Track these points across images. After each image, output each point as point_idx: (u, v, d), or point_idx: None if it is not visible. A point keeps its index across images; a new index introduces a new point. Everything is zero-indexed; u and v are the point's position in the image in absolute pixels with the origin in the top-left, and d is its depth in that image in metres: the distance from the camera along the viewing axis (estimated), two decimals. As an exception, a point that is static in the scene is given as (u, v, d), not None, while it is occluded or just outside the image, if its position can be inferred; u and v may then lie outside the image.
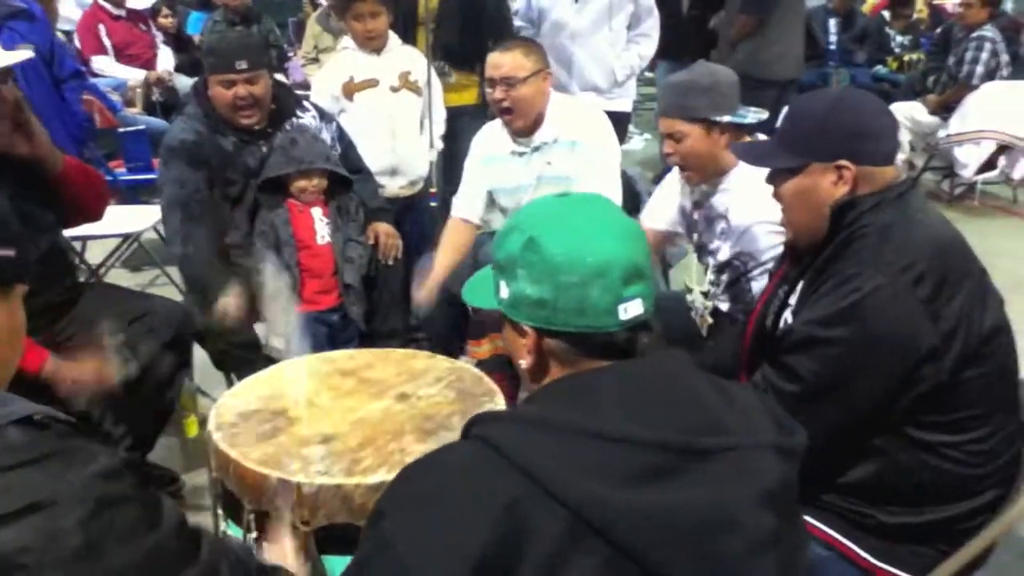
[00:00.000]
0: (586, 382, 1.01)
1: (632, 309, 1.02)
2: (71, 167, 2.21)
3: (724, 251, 2.26)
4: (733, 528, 0.91)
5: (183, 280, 2.81)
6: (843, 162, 1.49)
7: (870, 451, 1.48)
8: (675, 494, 0.91)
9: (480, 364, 2.48)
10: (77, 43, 5.84)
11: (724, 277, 2.28)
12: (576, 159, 2.67)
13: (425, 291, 2.67)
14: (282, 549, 1.35)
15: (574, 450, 0.92)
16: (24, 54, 2.16)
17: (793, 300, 1.63)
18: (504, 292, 1.07)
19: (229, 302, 2.53)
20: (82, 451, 0.86)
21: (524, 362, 1.07)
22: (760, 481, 0.95)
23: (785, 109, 1.69)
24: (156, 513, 0.90)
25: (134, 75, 5.77)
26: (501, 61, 2.60)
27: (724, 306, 2.28)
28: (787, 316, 1.63)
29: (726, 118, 2.16)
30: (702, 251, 2.38)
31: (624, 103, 3.93)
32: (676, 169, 2.40)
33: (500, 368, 2.56)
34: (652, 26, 3.89)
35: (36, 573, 0.77)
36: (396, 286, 2.85)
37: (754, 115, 2.18)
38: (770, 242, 2.09)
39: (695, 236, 2.41)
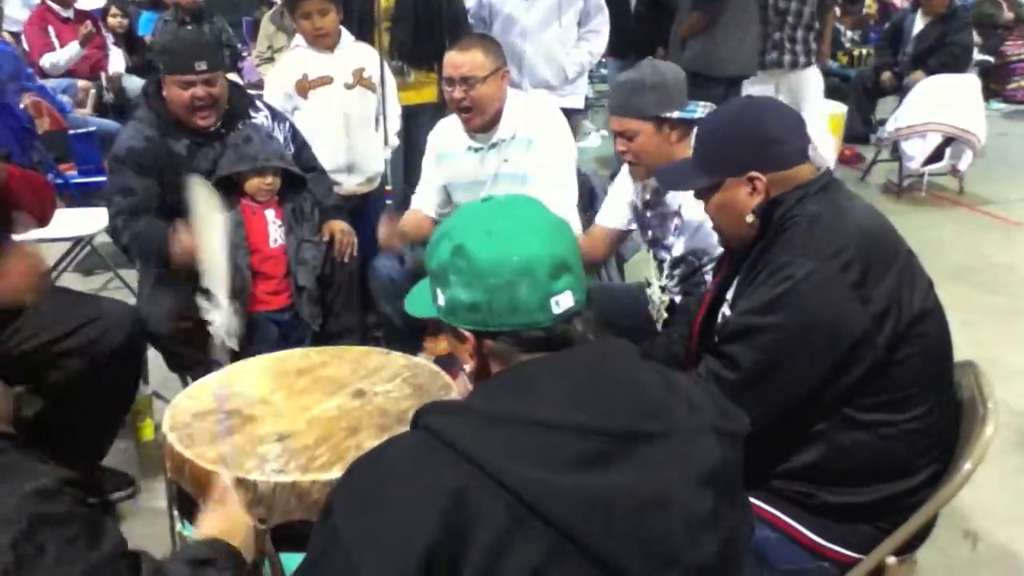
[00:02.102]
0: (525, 373, 1.03)
1: (563, 302, 1.05)
2: (14, 176, 2.18)
3: (678, 247, 2.30)
4: (670, 509, 0.94)
5: (139, 264, 2.77)
6: (753, 173, 1.56)
7: (812, 434, 1.52)
8: (614, 477, 0.93)
9: (438, 360, 2.49)
10: (25, 44, 5.74)
11: (678, 272, 2.32)
12: (532, 156, 2.70)
13: (387, 233, 2.65)
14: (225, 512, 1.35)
15: (516, 438, 0.94)
16: None
17: (730, 295, 1.68)
18: (440, 299, 1.10)
19: (182, 243, 2.47)
20: (19, 468, 0.85)
21: (468, 365, 1.10)
22: (699, 463, 0.98)
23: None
24: (95, 534, 0.89)
25: (75, 51, 5.69)
26: (460, 60, 2.61)
27: (678, 299, 2.32)
28: (724, 310, 1.69)
29: (675, 114, 2.20)
30: (656, 247, 2.41)
31: (575, 100, 3.97)
32: (626, 167, 2.44)
33: (457, 364, 2.57)
34: (601, 22, 3.93)
35: None
36: (351, 284, 2.85)
37: (703, 110, 2.22)
38: None
39: (648, 232, 2.44)
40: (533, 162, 2.69)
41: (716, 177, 1.61)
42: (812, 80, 5.11)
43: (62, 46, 5.72)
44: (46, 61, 5.65)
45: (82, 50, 5.71)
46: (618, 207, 2.54)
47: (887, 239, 1.55)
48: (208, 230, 2.02)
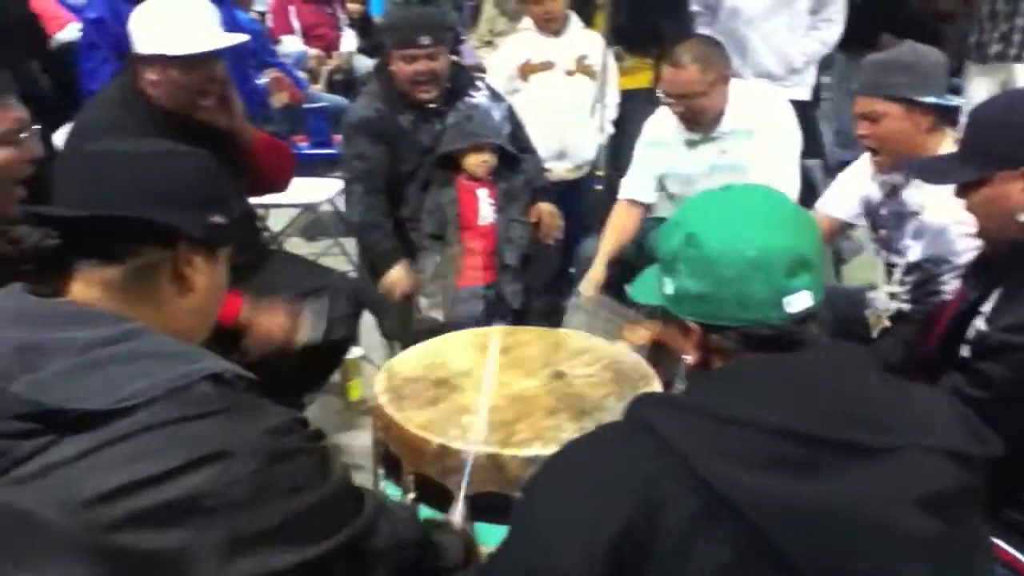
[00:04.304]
0: (742, 371, 1.00)
1: (799, 302, 1.00)
2: (261, 141, 2.36)
3: (915, 251, 2.13)
4: (881, 529, 0.88)
5: (359, 247, 2.94)
6: None
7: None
8: (822, 486, 0.89)
9: (636, 349, 2.46)
10: (270, 23, 6.21)
11: (912, 278, 2.15)
12: (752, 148, 2.60)
13: (590, 283, 2.69)
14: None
15: (721, 435, 0.92)
16: (239, 37, 2.32)
17: (986, 307, 1.53)
18: (667, 288, 1.07)
19: (395, 280, 2.62)
20: (258, 407, 0.91)
21: (689, 358, 1.07)
22: (924, 485, 0.91)
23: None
24: (323, 469, 0.94)
25: (314, 54, 6.07)
26: (677, 79, 2.54)
27: (906, 307, 2.16)
28: (978, 323, 1.54)
29: (930, 99, 2.02)
30: (888, 249, 2.24)
31: (801, 91, 3.75)
32: (864, 157, 2.28)
33: (656, 354, 2.53)
34: (837, 10, 3.69)
35: (211, 517, 0.83)
36: (553, 266, 2.89)
37: (959, 100, 2.04)
38: (968, 244, 1.94)
39: (881, 231, 2.27)
40: (753, 153, 2.59)
41: (987, 170, 1.47)
42: None
43: (301, 24, 6.14)
44: (283, 46, 6.09)
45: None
46: (845, 196, 2.37)
47: None
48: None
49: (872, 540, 0.88)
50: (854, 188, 2.35)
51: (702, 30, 3.56)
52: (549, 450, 1.56)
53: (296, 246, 4.14)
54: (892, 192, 2.19)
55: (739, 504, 0.88)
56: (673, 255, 1.05)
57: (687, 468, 0.90)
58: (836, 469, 0.90)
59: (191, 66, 2.15)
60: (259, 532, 0.85)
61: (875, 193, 2.27)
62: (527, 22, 3.35)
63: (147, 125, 2.08)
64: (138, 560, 0.80)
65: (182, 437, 0.84)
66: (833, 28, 3.69)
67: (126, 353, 0.88)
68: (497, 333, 2.15)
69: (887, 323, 2.16)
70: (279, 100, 4.57)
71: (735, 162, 2.60)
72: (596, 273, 2.72)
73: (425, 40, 2.67)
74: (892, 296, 2.16)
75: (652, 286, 1.12)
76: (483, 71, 3.62)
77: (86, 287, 0.97)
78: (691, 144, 2.69)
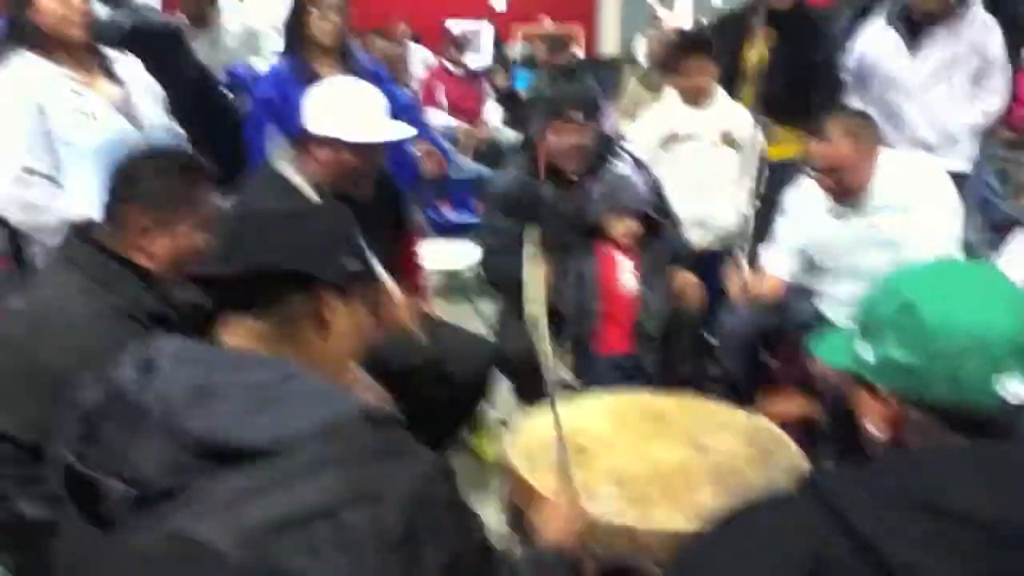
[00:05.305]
0: (947, 455, 0.93)
1: (1016, 391, 0.93)
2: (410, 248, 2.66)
3: None
4: None
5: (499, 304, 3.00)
6: None
7: None
8: None
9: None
10: (420, 97, 6.53)
11: None
12: (907, 222, 2.49)
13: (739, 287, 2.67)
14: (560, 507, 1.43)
15: (921, 524, 0.85)
16: (408, 129, 2.45)
17: None
18: (867, 354, 1.02)
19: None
20: (410, 452, 0.94)
21: (878, 431, 1.01)
22: None
23: None
24: (464, 522, 0.96)
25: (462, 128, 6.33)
26: (825, 153, 2.50)
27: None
28: None
29: None
30: None
31: (960, 163, 3.58)
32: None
33: (796, 427, 2.42)
34: (1001, 82, 3.52)
35: (362, 555, 0.85)
36: (693, 335, 2.83)
37: None
38: None
39: None
40: (908, 228, 2.48)
41: None
42: None
43: (448, 100, 6.41)
44: (434, 118, 6.36)
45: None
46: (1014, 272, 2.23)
47: None
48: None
49: None
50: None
51: (854, 100, 3.48)
52: (688, 525, 1.52)
53: (436, 309, 4.24)
54: None
55: None
56: (882, 321, 1.01)
57: (876, 558, 0.84)
58: None
59: (365, 153, 2.29)
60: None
61: None
62: (672, 93, 3.36)
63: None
64: None
65: (337, 477, 0.87)
66: (997, 100, 3.53)
67: (286, 394, 0.94)
68: (638, 398, 2.11)
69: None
70: (431, 172, 4.78)
71: (887, 237, 2.50)
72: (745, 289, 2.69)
73: (578, 115, 2.73)
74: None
75: (844, 349, 1.07)
76: (623, 139, 3.65)
77: (235, 337, 1.07)
78: (838, 216, 2.61)
